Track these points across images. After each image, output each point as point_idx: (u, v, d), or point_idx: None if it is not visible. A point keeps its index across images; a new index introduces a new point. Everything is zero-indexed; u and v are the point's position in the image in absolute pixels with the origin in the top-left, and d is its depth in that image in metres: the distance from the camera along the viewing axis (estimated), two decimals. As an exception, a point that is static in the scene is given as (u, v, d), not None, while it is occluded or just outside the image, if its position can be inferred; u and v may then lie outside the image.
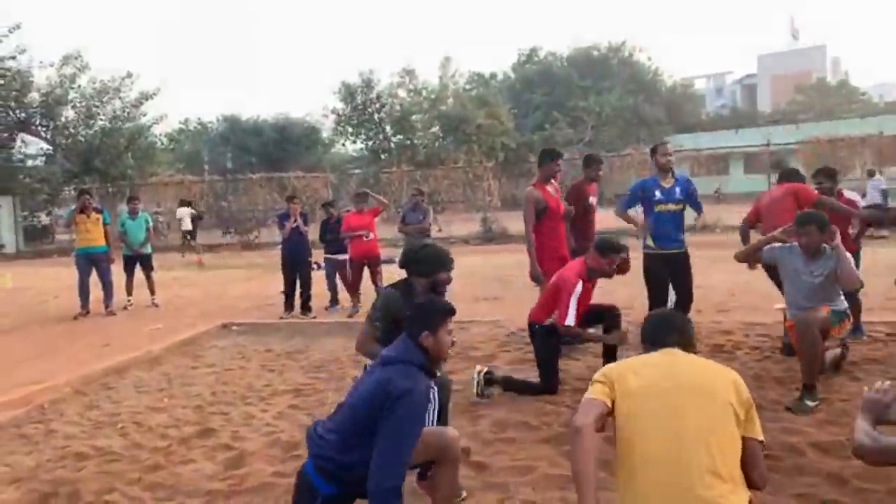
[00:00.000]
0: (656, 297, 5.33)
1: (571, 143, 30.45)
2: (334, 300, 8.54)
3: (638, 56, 43.50)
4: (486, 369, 4.56)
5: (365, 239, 7.98)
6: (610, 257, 4.49)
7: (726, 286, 8.27)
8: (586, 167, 6.06)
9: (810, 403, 3.93)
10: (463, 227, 18.76)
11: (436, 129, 31.75)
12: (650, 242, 5.36)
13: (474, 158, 24.91)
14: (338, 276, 8.48)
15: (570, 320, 4.43)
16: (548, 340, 4.65)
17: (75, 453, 4.04)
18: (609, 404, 2.00)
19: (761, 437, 2.00)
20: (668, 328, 2.25)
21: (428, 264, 3.42)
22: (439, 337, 2.51)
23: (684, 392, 1.95)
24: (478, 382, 4.46)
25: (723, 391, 1.96)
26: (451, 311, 2.61)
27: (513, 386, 4.60)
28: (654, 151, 5.57)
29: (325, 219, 8.74)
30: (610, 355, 4.65)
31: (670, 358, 2.12)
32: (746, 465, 1.94)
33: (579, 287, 4.46)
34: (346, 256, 8.23)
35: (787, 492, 2.97)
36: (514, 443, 3.76)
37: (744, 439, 1.94)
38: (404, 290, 3.44)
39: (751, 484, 1.96)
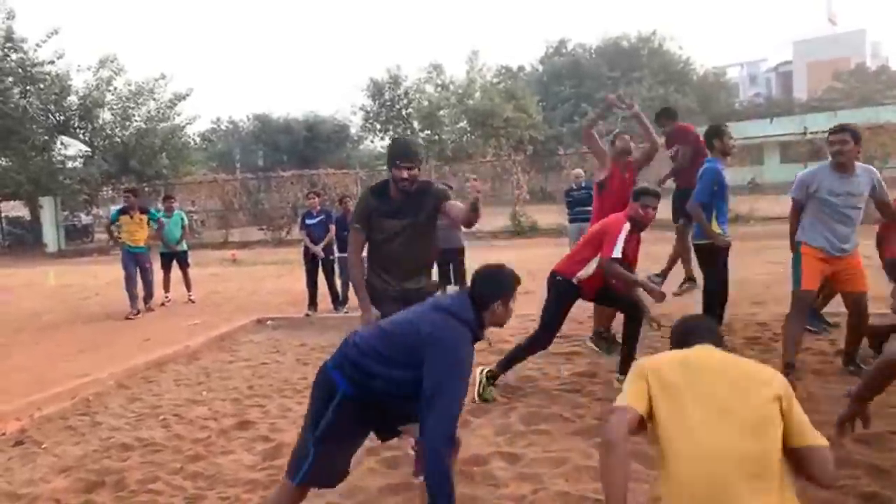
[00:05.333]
0: (716, 287, 5.07)
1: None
2: (345, 299, 8.29)
3: (668, 45, 42.79)
4: (487, 368, 4.50)
5: None
6: (642, 200, 4.39)
7: (761, 278, 8.13)
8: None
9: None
10: (492, 221, 18.70)
11: (463, 123, 31.71)
12: (719, 230, 4.93)
13: (502, 152, 24.80)
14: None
15: (617, 252, 4.30)
16: (565, 295, 4.53)
17: (120, 444, 4.18)
18: (644, 407, 1.93)
19: (822, 442, 1.90)
20: (702, 329, 2.21)
21: (388, 157, 3.52)
22: (509, 307, 2.56)
23: (726, 387, 1.89)
24: (480, 382, 4.42)
25: (764, 386, 1.89)
26: (519, 281, 2.64)
27: (510, 359, 4.55)
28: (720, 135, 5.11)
29: (341, 214, 8.53)
30: (632, 338, 4.52)
31: (707, 353, 2.05)
32: (813, 470, 1.87)
33: (627, 227, 4.36)
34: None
35: (826, 484, 2.93)
36: (546, 434, 3.78)
37: (805, 449, 1.86)
38: (379, 187, 3.64)
39: (819, 484, 1.93)
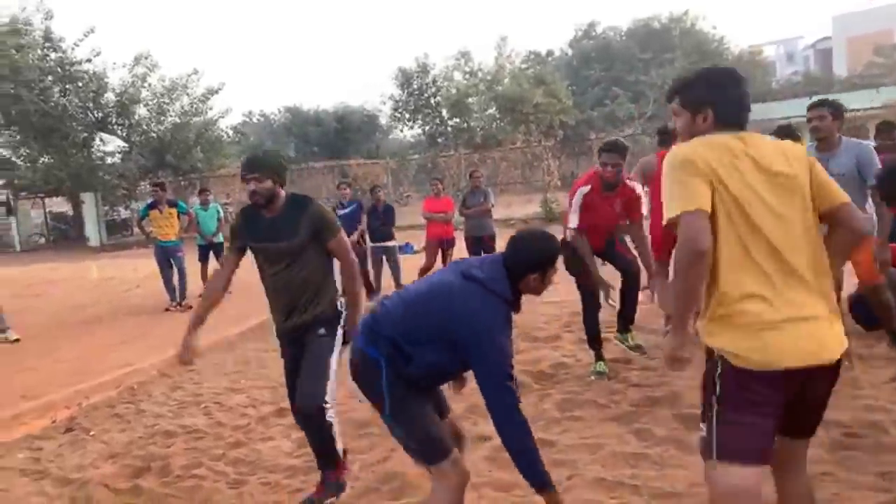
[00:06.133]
0: None
1: (633, 119, 29.63)
2: (378, 288, 8.31)
3: (701, 25, 41.73)
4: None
5: (444, 222, 8.14)
6: (601, 157, 4.21)
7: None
8: (662, 143, 5.52)
9: None
10: (523, 208, 18.62)
11: (492, 110, 31.48)
12: None
13: (532, 138, 24.58)
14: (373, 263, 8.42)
15: (573, 222, 4.25)
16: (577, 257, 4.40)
17: (164, 431, 4.31)
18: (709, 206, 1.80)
19: (845, 199, 1.92)
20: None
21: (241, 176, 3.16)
22: (547, 278, 2.38)
23: (779, 178, 1.84)
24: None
25: (803, 173, 1.89)
26: (560, 252, 2.47)
27: (592, 338, 4.55)
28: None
29: (372, 205, 8.62)
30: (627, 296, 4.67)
31: (752, 139, 1.92)
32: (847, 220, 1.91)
33: (583, 190, 4.22)
34: (394, 243, 8.35)
35: (870, 470, 2.87)
36: (581, 421, 3.78)
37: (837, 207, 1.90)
38: (242, 213, 3.31)
39: (858, 231, 1.95)
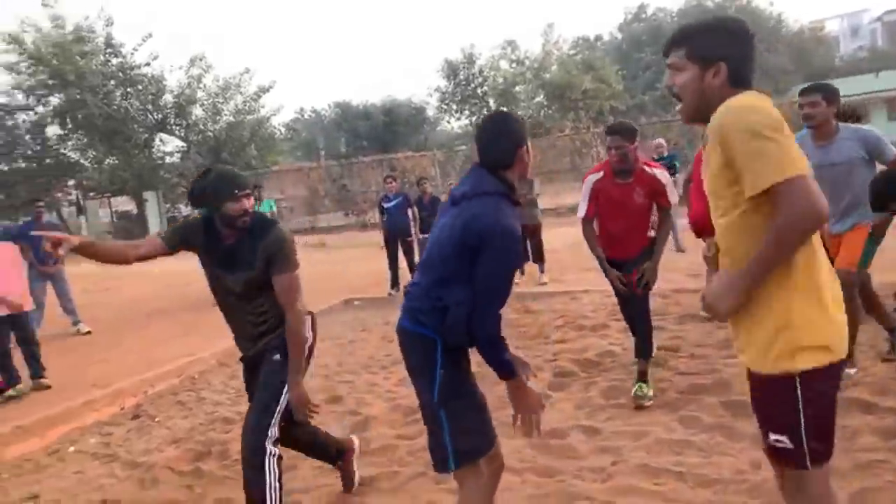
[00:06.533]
0: None
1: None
2: None
3: (757, 2, 40.20)
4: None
5: None
6: (607, 141, 3.83)
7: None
8: None
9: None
10: (572, 196, 18.40)
11: (540, 98, 31.23)
12: None
13: (581, 125, 24.25)
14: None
15: (580, 211, 4.04)
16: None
17: (223, 418, 4.52)
18: None
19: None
20: None
21: (213, 196, 2.67)
22: (521, 157, 2.21)
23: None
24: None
25: None
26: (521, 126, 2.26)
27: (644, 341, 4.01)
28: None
29: (419, 197, 8.78)
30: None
31: None
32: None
33: (592, 178, 3.95)
34: None
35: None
36: (627, 408, 3.77)
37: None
38: (208, 221, 2.80)
39: None
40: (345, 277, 10.44)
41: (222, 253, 2.76)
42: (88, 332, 7.80)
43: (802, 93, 3.60)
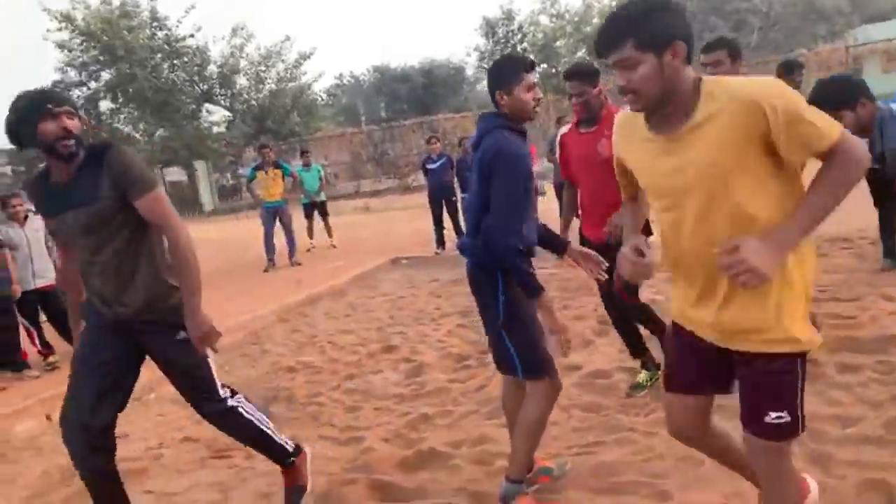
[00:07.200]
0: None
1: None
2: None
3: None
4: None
5: None
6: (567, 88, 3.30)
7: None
8: (788, 74, 5.08)
9: None
10: (616, 152, 18.21)
11: (582, 52, 30.53)
12: None
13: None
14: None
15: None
16: None
17: (286, 367, 4.86)
18: None
19: None
20: None
21: (24, 120, 2.24)
22: (515, 95, 2.35)
23: None
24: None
25: None
26: (526, 65, 2.38)
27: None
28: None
29: (461, 157, 8.79)
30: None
31: None
32: None
33: (561, 130, 3.55)
34: None
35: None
36: (669, 351, 3.91)
37: None
38: (41, 172, 2.44)
39: None
40: (391, 238, 10.72)
41: (57, 195, 2.31)
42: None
43: (704, 49, 3.21)
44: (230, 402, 2.54)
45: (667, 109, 1.62)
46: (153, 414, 4.37)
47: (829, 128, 1.54)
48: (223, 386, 2.56)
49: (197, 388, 2.51)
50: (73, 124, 2.23)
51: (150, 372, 4.76)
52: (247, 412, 2.57)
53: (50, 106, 2.19)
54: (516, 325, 2.40)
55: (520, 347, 2.40)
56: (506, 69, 2.38)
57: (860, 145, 1.56)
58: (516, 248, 2.27)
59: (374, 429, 3.54)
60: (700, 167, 1.60)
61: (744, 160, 1.57)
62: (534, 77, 2.39)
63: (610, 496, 2.49)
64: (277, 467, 2.73)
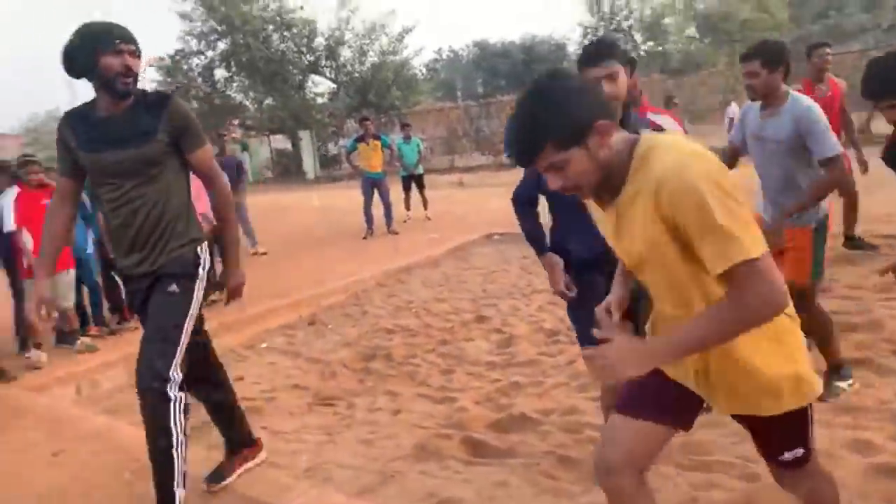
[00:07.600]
0: None
1: (865, 31, 25.69)
2: None
3: None
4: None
5: None
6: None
7: None
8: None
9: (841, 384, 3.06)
10: (721, 138, 17.40)
11: (691, 30, 29.18)
12: None
13: (737, 60, 22.47)
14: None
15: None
16: None
17: (384, 328, 5.15)
18: None
19: None
20: None
21: (89, 49, 2.22)
22: None
23: None
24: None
25: None
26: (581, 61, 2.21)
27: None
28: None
29: None
30: None
31: None
32: None
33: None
34: None
35: None
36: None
37: None
38: (79, 107, 2.42)
39: None
40: (484, 214, 10.85)
41: (99, 128, 2.29)
42: (265, 253, 8.88)
43: (742, 58, 3.00)
44: (170, 391, 2.25)
45: (609, 182, 1.48)
46: (265, 362, 4.78)
47: (735, 248, 1.29)
48: (179, 371, 2.30)
49: (154, 342, 2.30)
50: (134, 63, 2.25)
51: (259, 324, 5.17)
52: (174, 416, 2.27)
53: (118, 41, 2.21)
54: (579, 313, 2.46)
55: (580, 335, 2.53)
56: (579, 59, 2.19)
57: (771, 285, 1.30)
58: (518, 206, 2.74)
59: (466, 391, 3.74)
60: (643, 239, 1.45)
61: (673, 238, 1.40)
62: (599, 71, 2.10)
63: (700, 472, 2.55)
64: (376, 417, 2.95)
